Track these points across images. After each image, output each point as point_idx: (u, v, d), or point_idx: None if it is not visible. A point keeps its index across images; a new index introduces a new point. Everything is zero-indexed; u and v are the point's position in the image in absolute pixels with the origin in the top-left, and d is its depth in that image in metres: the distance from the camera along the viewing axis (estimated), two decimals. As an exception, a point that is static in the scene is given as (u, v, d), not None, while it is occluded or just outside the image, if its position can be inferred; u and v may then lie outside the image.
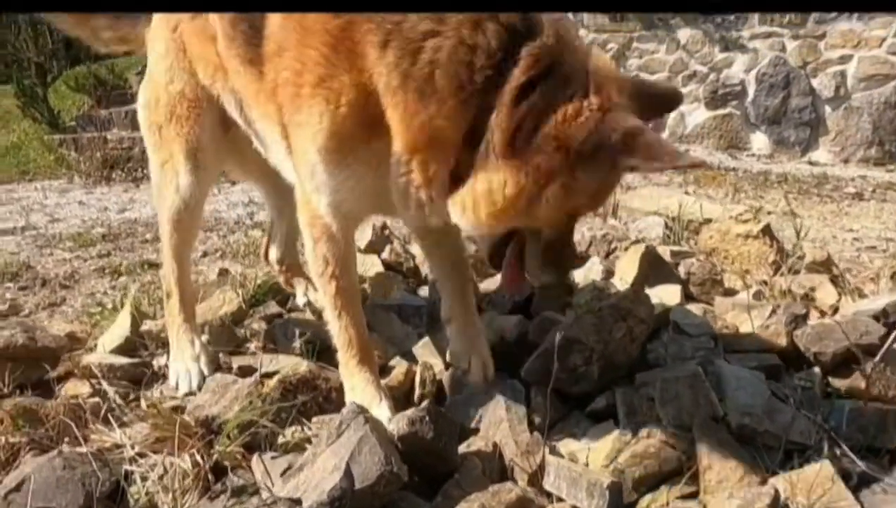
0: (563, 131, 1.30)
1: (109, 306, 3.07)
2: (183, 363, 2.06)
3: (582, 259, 2.87)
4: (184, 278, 2.16)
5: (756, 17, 6.38)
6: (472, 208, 1.39)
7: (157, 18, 2.14)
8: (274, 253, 2.55)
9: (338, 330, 1.72)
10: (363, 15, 1.42)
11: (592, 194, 1.40)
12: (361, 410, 1.44)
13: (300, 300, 2.48)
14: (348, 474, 1.27)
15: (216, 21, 1.83)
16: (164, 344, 2.23)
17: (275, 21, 1.58)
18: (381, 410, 1.63)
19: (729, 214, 2.83)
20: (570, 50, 1.38)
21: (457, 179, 1.43)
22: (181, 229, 2.11)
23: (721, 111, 6.52)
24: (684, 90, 6.68)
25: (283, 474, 1.45)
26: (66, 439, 1.77)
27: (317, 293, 2.34)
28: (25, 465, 1.57)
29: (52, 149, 8.15)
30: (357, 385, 1.71)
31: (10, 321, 2.39)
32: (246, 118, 1.93)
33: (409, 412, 1.50)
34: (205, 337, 2.20)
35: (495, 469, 1.58)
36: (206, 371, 2.03)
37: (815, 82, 6.19)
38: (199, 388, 1.96)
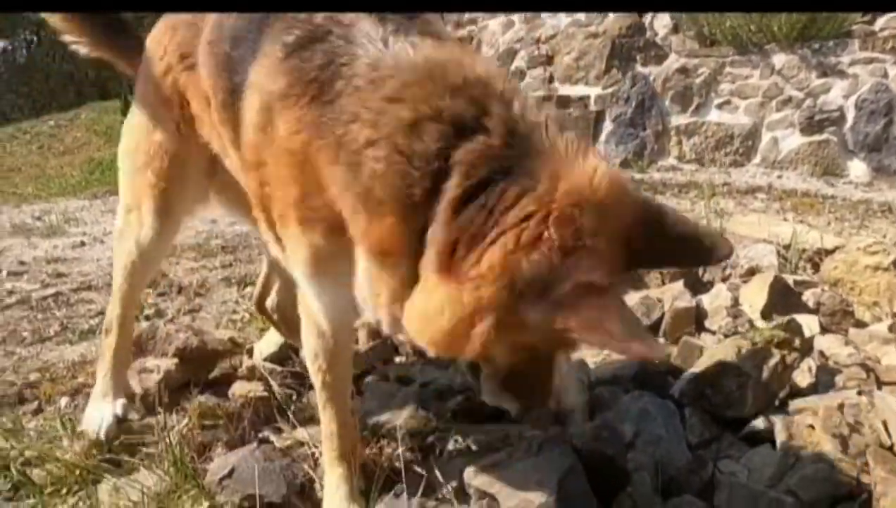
0: (511, 262, 1.09)
1: (244, 314, 3.31)
2: (99, 407, 2.02)
3: (704, 285, 2.93)
4: (126, 322, 2.10)
5: (857, 42, 6.27)
6: (415, 328, 1.24)
7: (150, 54, 1.94)
8: (272, 302, 2.41)
9: (323, 421, 1.66)
10: (317, 131, 1.29)
11: (546, 335, 1.13)
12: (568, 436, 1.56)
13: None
14: (562, 499, 1.40)
15: (210, 92, 1.65)
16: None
17: (247, 128, 1.43)
18: None
19: (856, 245, 2.83)
20: (530, 151, 1.15)
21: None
22: (134, 280, 2.04)
23: (817, 137, 6.40)
24: (778, 115, 6.60)
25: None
26: (253, 434, 1.96)
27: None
28: (232, 455, 1.75)
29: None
30: (332, 482, 1.63)
31: (179, 324, 2.62)
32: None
33: (588, 426, 1.60)
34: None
35: (660, 483, 1.66)
36: (114, 418, 1.98)
37: (919, 109, 6.03)
38: (107, 437, 1.94)
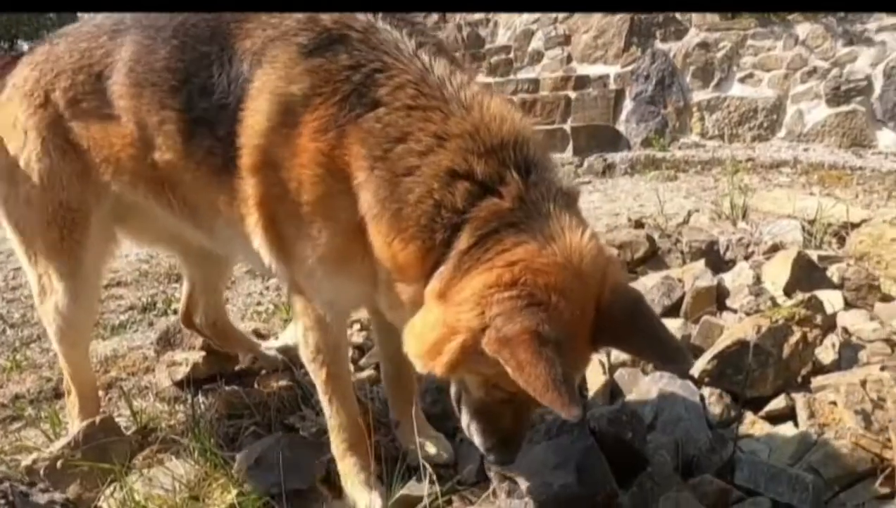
0: (486, 294, 1.25)
1: (269, 306, 3.38)
2: None
3: (726, 263, 2.90)
4: (79, 377, 2.05)
5: (884, 8, 6.08)
6: (409, 343, 1.37)
7: (18, 106, 1.78)
8: (201, 317, 2.37)
9: (329, 414, 1.68)
10: (354, 134, 1.37)
11: (500, 373, 1.23)
12: (586, 419, 1.57)
13: (245, 361, 2.43)
14: (582, 481, 1.43)
15: (156, 132, 1.63)
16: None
17: (254, 132, 1.47)
18: (370, 501, 1.61)
19: (883, 217, 2.78)
20: (534, 215, 1.30)
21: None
22: (70, 341, 1.98)
23: (844, 108, 6.25)
24: (803, 87, 6.45)
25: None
26: (279, 422, 2.01)
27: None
28: (258, 444, 1.79)
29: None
30: (347, 472, 1.67)
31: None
32: (197, 221, 1.75)
33: (606, 410, 1.61)
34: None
35: (680, 463, 1.67)
36: None
37: (951, 75, 5.85)
38: None
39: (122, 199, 1.81)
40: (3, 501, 0.82)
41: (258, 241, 1.57)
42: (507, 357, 1.18)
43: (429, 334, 1.31)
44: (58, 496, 0.95)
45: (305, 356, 1.66)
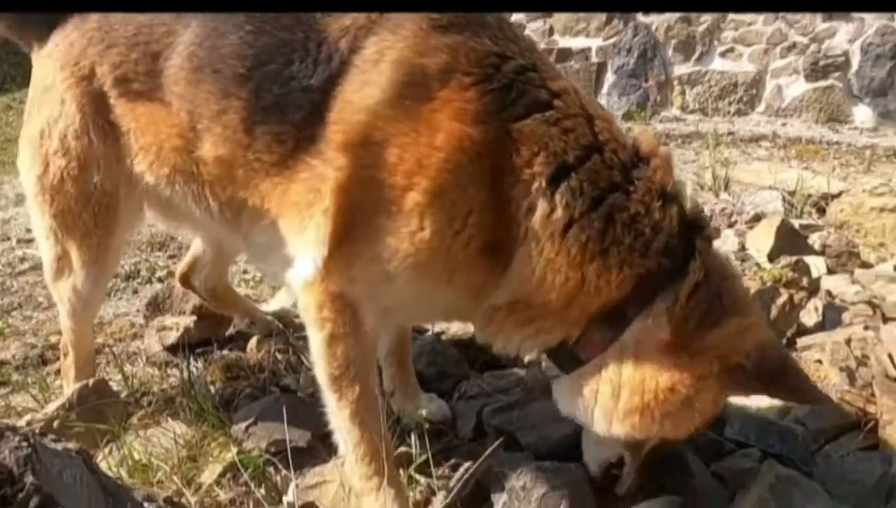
0: (731, 344, 1.22)
1: (256, 274, 3.36)
2: None
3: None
4: (80, 343, 1.99)
5: (863, -16, 6.14)
6: (608, 400, 1.25)
7: (58, 72, 1.64)
8: (201, 281, 2.31)
9: (357, 441, 1.42)
10: (532, 130, 1.22)
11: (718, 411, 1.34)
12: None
13: (240, 325, 2.40)
14: (579, 433, 1.44)
15: (213, 122, 1.48)
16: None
17: (358, 106, 1.30)
18: None
19: (862, 187, 2.85)
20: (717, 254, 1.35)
21: (574, 356, 1.30)
22: (80, 317, 1.93)
23: (822, 83, 6.34)
24: (782, 62, 6.52)
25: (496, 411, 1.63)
26: (275, 384, 2.02)
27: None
28: (256, 404, 1.80)
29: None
30: (377, 502, 1.41)
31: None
32: (234, 225, 1.60)
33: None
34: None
35: (672, 420, 1.72)
36: None
37: (926, 52, 5.95)
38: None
39: (154, 192, 1.68)
40: (25, 444, 0.82)
41: (317, 233, 1.35)
42: (778, 387, 1.25)
43: (663, 385, 1.21)
44: (71, 445, 0.96)
45: (328, 373, 1.41)
